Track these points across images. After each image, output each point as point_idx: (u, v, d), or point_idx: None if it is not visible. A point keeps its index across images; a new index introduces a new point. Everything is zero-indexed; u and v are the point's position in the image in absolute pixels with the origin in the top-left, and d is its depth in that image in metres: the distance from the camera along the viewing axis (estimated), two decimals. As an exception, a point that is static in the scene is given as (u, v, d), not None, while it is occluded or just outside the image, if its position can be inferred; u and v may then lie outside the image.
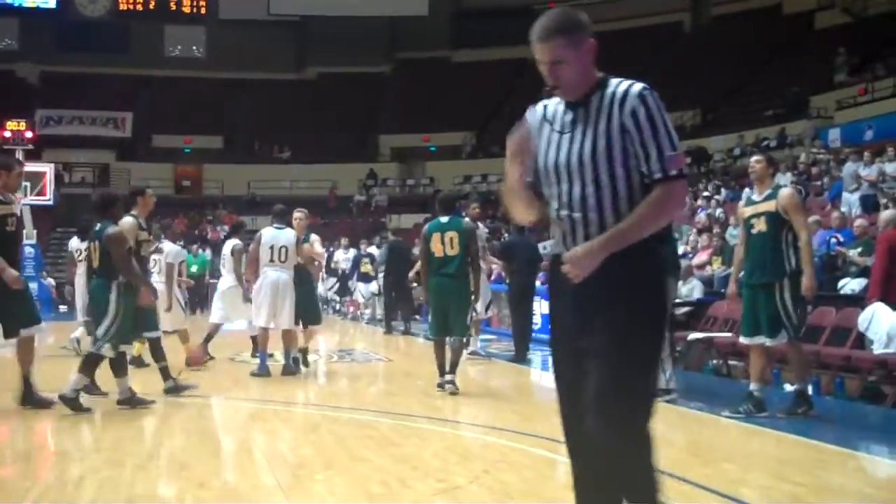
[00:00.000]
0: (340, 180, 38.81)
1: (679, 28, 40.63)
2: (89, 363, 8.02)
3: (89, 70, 40.30)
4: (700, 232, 16.56)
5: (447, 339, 9.23)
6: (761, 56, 34.01)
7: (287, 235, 10.78)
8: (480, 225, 11.90)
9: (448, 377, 9.20)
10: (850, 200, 15.76)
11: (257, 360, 10.94)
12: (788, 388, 9.76)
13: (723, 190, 21.90)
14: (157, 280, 10.99)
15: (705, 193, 20.59)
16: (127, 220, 8.58)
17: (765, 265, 7.70)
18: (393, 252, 18.07)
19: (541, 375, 11.31)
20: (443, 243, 9.23)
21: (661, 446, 6.48)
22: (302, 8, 43.19)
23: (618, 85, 3.36)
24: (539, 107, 3.51)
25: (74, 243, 12.88)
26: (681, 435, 7.23)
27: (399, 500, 5.00)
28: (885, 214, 10.95)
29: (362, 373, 11.74)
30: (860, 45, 29.48)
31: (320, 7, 42.51)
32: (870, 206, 15.23)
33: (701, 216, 18.72)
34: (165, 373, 9.01)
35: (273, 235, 10.78)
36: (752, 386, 7.77)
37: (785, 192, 7.74)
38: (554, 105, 3.44)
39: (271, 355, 11.10)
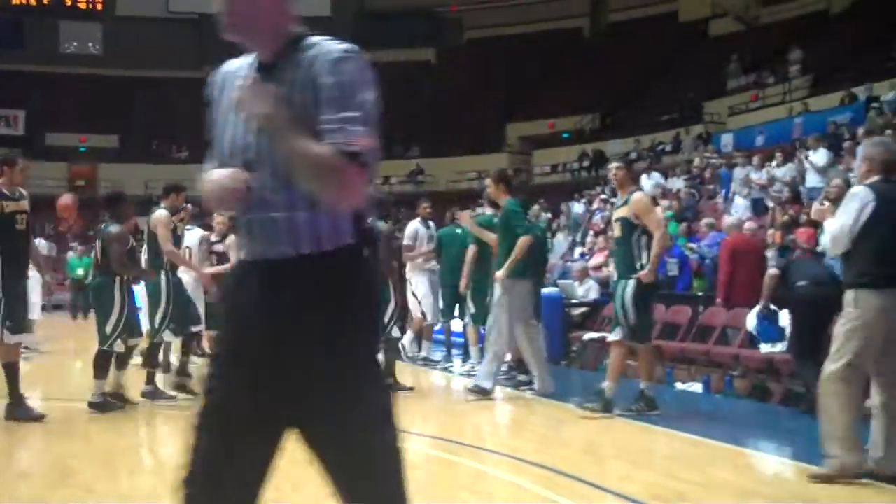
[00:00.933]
0: (241, 180, 38.24)
1: (578, 33, 41.24)
2: (101, 363, 7.96)
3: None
4: (597, 234, 16.86)
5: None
6: (658, 62, 34.76)
7: (193, 236, 10.71)
8: (419, 224, 11.65)
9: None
10: (741, 205, 16.21)
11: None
12: (679, 385, 10.04)
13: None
14: None
15: (602, 196, 20.93)
16: (161, 213, 8.67)
17: (618, 266, 8.11)
18: None
19: (448, 378, 11.36)
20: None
21: (555, 445, 6.59)
22: (201, 5, 42.49)
23: (318, 45, 2.71)
24: (220, 72, 2.88)
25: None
26: (573, 433, 7.36)
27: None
28: (727, 221, 11.38)
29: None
30: (752, 52, 30.35)
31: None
32: (760, 209, 15.72)
33: (597, 219, 19.05)
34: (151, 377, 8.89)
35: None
36: (643, 384, 7.95)
37: (634, 197, 7.95)
38: (239, 68, 2.74)
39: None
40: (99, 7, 42.55)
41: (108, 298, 8.04)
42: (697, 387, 9.83)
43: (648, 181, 20.42)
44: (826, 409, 5.42)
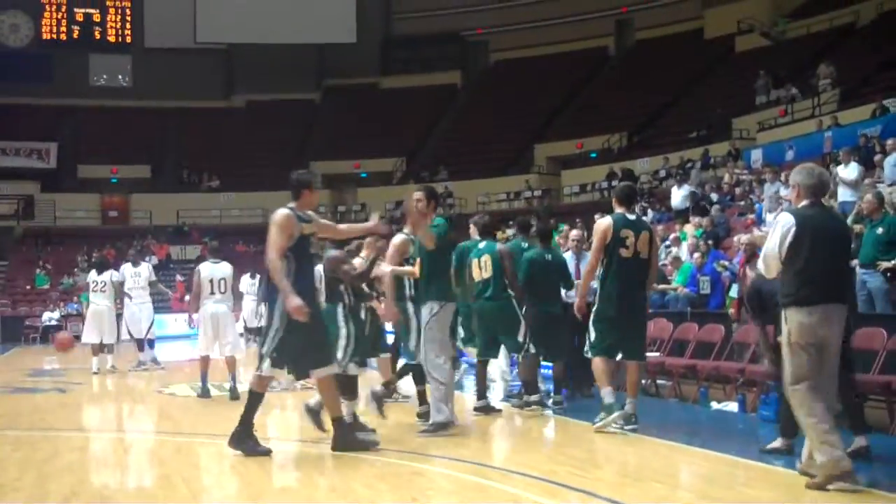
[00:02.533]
0: (271, 208, 38.41)
1: (604, 52, 41.26)
2: (345, 386, 7.76)
3: (12, 100, 39.59)
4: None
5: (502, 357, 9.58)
6: (684, 79, 34.70)
7: (224, 269, 11.62)
8: None
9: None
10: (771, 221, 16.09)
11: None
12: (715, 405, 9.93)
13: (649, 211, 22.22)
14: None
15: (632, 215, 20.85)
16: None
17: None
18: None
19: (465, 399, 11.30)
20: (480, 267, 9.33)
21: (591, 468, 6.53)
22: (229, 36, 42.98)
23: None
24: None
25: (92, 275, 15.86)
26: (608, 454, 7.30)
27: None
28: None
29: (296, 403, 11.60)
30: (779, 67, 30.23)
31: (247, 35, 42.33)
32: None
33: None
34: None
35: (211, 270, 11.58)
36: (607, 396, 8.01)
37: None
38: None
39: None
40: (128, 39, 43.03)
41: (333, 327, 7.79)
42: (733, 406, 9.72)
43: (680, 191, 20.50)
44: (801, 423, 5.81)
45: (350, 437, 7.23)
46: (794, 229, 5.82)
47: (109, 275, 15.95)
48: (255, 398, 7.17)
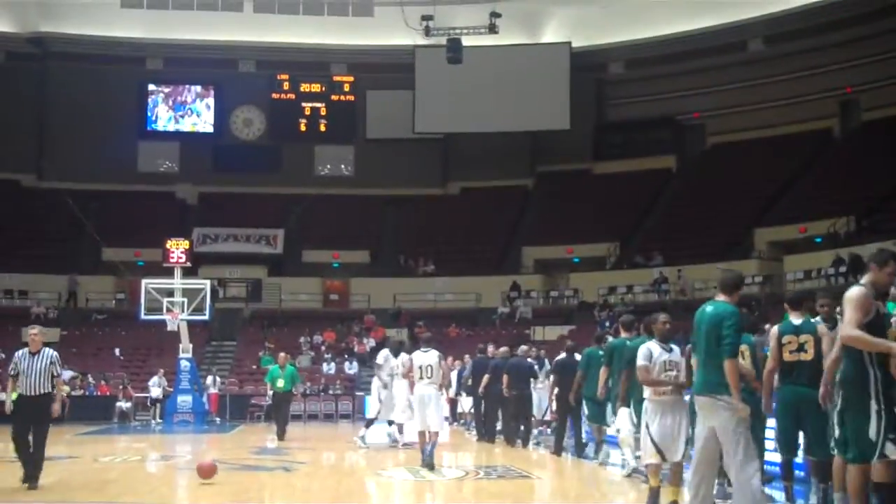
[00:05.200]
0: (484, 293, 38.92)
1: (828, 134, 39.73)
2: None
3: (245, 189, 42.17)
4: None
5: None
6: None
7: (431, 357, 13.17)
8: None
9: None
10: None
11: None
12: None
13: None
14: None
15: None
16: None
17: None
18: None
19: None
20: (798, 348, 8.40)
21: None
22: (445, 126, 44.19)
23: None
24: None
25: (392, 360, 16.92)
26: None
27: None
28: None
29: (512, 490, 11.47)
30: None
31: (464, 124, 43.40)
32: None
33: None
34: None
35: (421, 358, 13.21)
36: None
37: None
38: None
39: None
40: (350, 131, 45.03)
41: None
42: None
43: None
44: None
45: None
46: None
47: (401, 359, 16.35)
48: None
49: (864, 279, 6.73)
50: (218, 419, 28.97)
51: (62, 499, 9.76)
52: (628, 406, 10.84)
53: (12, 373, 11.12)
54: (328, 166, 45.94)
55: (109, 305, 38.87)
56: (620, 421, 11.33)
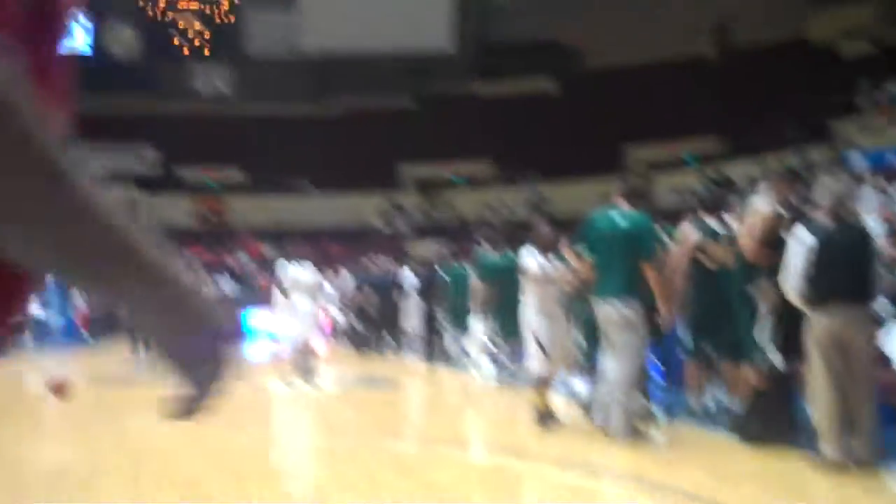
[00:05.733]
0: (364, 211, 38.94)
1: (702, 60, 40.53)
2: None
3: (117, 106, 40.84)
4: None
5: None
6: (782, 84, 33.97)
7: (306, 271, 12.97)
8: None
9: None
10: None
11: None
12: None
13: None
14: None
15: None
16: None
17: None
18: None
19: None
20: None
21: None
22: (327, 44, 43.49)
23: None
24: None
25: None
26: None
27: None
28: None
29: (383, 399, 11.70)
30: None
31: (345, 43, 42.83)
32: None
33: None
34: None
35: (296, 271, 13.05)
36: None
37: None
38: None
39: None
40: (227, 49, 43.96)
41: None
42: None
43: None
44: None
45: None
46: None
47: None
48: None
49: None
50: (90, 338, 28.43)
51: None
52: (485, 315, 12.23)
53: None
54: (205, 83, 44.78)
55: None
56: (477, 329, 12.63)
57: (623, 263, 7.50)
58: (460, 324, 13.68)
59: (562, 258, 8.65)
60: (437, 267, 15.45)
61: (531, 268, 8.46)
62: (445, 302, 14.17)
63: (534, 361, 8.30)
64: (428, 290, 15.19)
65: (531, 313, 8.43)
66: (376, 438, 7.99)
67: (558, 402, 8.15)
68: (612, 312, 7.46)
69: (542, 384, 8.04)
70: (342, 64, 43.53)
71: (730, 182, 28.92)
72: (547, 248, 8.55)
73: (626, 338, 7.40)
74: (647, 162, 36.19)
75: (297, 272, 13.19)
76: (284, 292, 12.85)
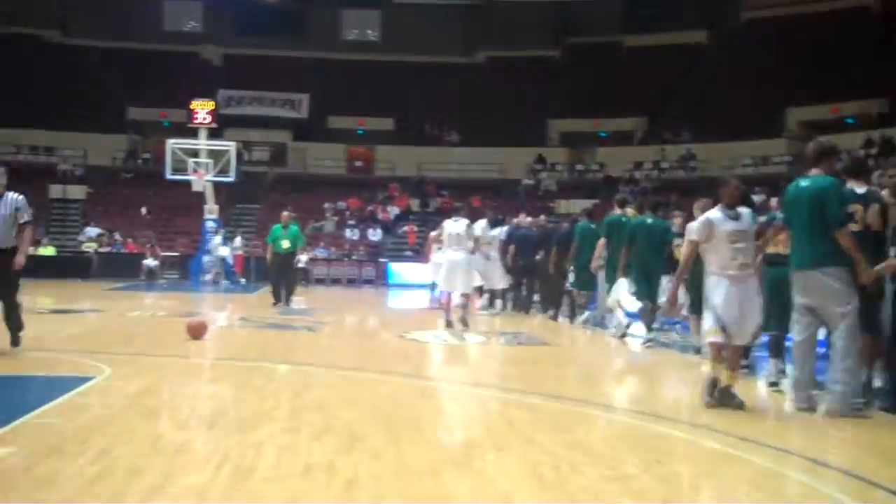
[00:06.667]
0: (508, 164, 38.84)
1: (865, 14, 38.62)
2: None
3: (267, 52, 41.68)
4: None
5: None
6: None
7: (461, 225, 13.75)
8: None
9: None
10: None
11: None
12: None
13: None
14: None
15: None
16: None
17: None
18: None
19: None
20: None
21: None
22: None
23: None
24: None
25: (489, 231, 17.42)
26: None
27: (570, 485, 4.93)
28: None
29: (531, 356, 11.68)
30: None
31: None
32: None
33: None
34: None
35: (451, 225, 13.91)
36: None
37: None
38: None
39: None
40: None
41: None
42: None
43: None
44: None
45: None
46: None
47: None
48: None
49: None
50: (243, 280, 29.39)
51: (89, 349, 10.00)
52: (626, 277, 12.33)
53: None
54: (354, 31, 45.30)
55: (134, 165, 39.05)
56: (617, 290, 12.59)
57: (809, 230, 7.21)
58: (605, 283, 13.57)
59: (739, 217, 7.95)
60: (580, 224, 15.21)
61: (704, 229, 7.72)
62: (589, 261, 14.01)
63: (710, 330, 7.75)
64: (569, 248, 15.07)
65: (710, 279, 7.77)
66: (528, 395, 7.97)
67: (735, 376, 7.76)
68: (819, 283, 7.19)
69: (719, 355, 7.56)
70: (490, 11, 43.28)
71: (892, 146, 27.68)
72: (733, 205, 7.84)
73: (839, 310, 7.12)
74: (804, 123, 34.88)
75: (452, 225, 13.69)
76: (441, 245, 13.43)
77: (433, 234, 18.30)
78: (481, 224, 16.80)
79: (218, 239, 29.15)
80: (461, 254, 13.69)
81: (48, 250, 31.04)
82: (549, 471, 5.19)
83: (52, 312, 16.38)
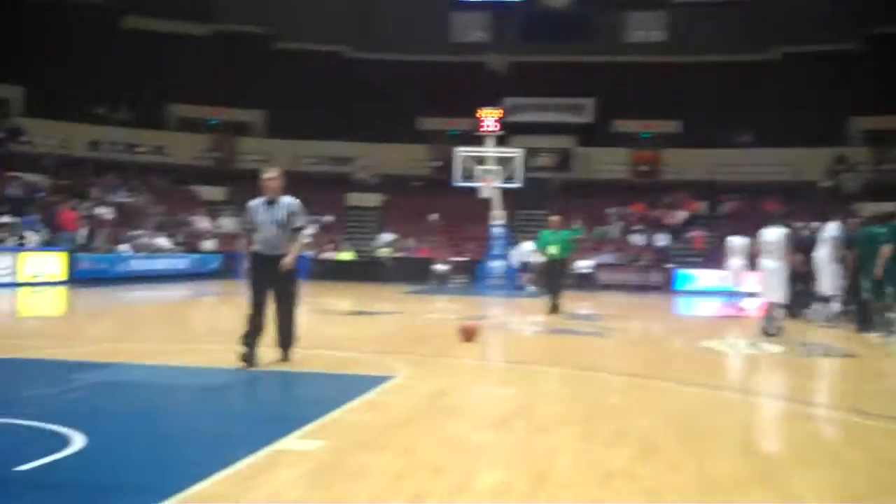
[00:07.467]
0: (804, 165, 36.95)
1: None
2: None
3: (552, 58, 41.95)
4: None
5: None
6: None
7: (775, 233, 13.62)
8: None
9: None
10: None
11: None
12: None
13: None
14: None
15: None
16: None
17: None
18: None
19: None
20: None
21: None
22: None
23: None
24: None
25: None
26: None
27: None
28: None
29: (835, 368, 11.00)
30: None
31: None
32: None
33: None
34: None
35: (766, 233, 13.77)
36: None
37: None
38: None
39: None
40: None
41: None
42: None
43: None
44: None
45: None
46: None
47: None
48: None
49: None
50: (534, 287, 29.68)
51: (387, 349, 10.43)
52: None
53: (247, 227, 9.27)
54: (640, 33, 44.73)
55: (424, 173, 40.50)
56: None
57: None
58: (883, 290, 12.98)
59: None
60: (869, 229, 14.38)
61: None
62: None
63: None
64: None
65: None
66: (834, 410, 7.50)
67: None
68: None
69: None
70: (780, 5, 41.38)
71: None
72: None
73: None
74: None
75: (766, 233, 13.79)
76: (757, 252, 13.85)
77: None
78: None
79: (528, 245, 29.51)
80: (776, 262, 13.64)
81: (349, 255, 32.94)
82: (863, 491, 4.83)
83: (351, 314, 17.31)
